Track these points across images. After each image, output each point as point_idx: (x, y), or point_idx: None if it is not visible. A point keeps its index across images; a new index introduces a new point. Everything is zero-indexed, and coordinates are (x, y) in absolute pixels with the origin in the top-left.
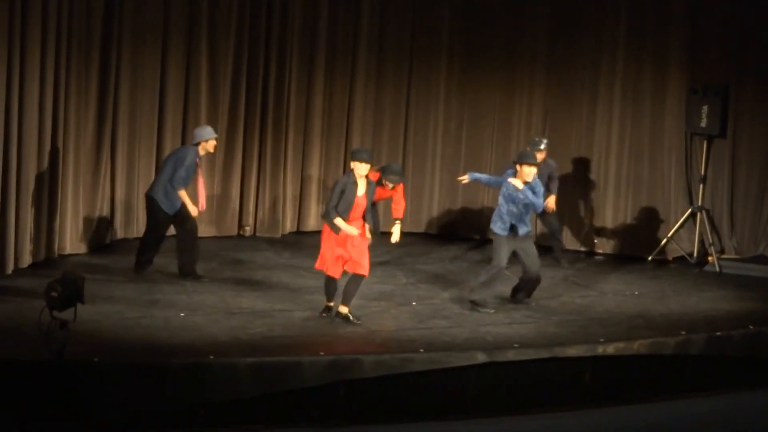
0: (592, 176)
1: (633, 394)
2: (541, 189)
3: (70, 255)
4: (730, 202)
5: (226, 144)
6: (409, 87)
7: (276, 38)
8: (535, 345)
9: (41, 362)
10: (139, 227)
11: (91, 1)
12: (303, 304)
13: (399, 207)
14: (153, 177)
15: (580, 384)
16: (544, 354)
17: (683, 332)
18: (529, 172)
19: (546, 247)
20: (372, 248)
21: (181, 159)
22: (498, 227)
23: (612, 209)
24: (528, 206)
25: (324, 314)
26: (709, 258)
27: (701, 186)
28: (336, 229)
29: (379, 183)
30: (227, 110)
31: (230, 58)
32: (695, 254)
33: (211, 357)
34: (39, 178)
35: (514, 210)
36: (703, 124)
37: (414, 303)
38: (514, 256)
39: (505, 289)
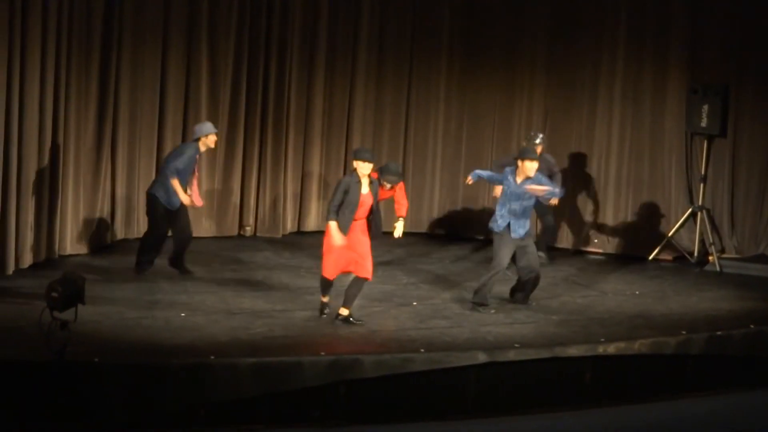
0: (593, 176)
1: (633, 394)
2: (546, 181)
3: (70, 255)
4: (730, 201)
5: (227, 144)
6: (409, 87)
7: (276, 38)
8: (536, 345)
9: (42, 362)
10: (139, 227)
11: (91, 1)
12: (303, 305)
13: (401, 206)
14: (153, 177)
15: (580, 384)
16: (544, 354)
17: (684, 332)
18: (531, 167)
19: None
20: (373, 248)
21: (180, 152)
22: (497, 225)
23: (612, 209)
24: (528, 208)
25: (324, 313)
26: (710, 257)
27: (702, 186)
28: (341, 230)
29: (378, 183)
30: (227, 110)
31: (230, 57)
32: (696, 254)
33: (212, 357)
34: (39, 178)
35: (517, 208)
36: (704, 123)
37: (414, 303)
38: (514, 256)
39: (505, 288)
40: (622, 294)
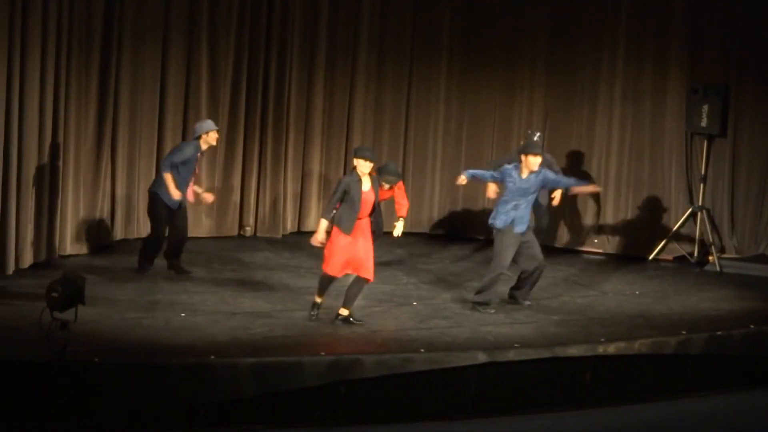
0: (593, 176)
1: (633, 394)
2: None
3: (70, 255)
4: (730, 201)
5: (227, 144)
6: (409, 86)
7: (276, 38)
8: (536, 345)
9: (42, 362)
10: (139, 227)
11: (91, 1)
12: (304, 305)
13: (402, 207)
14: (154, 177)
15: (580, 384)
16: (544, 354)
17: (684, 332)
18: (534, 161)
19: None
20: (373, 248)
21: (179, 148)
22: (501, 222)
23: (612, 209)
24: (531, 203)
25: (314, 313)
26: (710, 257)
27: (702, 185)
28: (346, 229)
29: (378, 183)
30: (227, 110)
31: (231, 57)
32: (696, 254)
33: (212, 357)
34: (39, 178)
35: (522, 204)
36: (704, 123)
37: (415, 303)
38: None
39: (505, 288)
40: (622, 294)
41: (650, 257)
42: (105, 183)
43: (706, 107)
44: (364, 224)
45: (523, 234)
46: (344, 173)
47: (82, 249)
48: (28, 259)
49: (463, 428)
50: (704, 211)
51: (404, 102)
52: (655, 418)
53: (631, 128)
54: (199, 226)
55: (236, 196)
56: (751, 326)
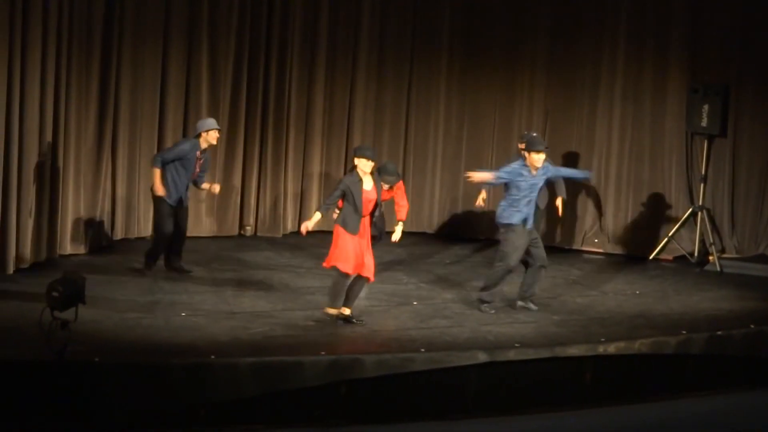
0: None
1: (633, 394)
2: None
3: (71, 255)
4: (730, 201)
5: (227, 144)
6: (409, 86)
7: (277, 38)
8: (536, 344)
9: (42, 362)
10: (139, 227)
11: (92, 1)
12: (304, 304)
13: (402, 209)
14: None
15: (580, 384)
16: (544, 354)
17: (684, 332)
18: (538, 158)
19: None
20: (373, 248)
21: (176, 144)
22: (516, 218)
23: (613, 209)
24: (536, 198)
25: (354, 320)
26: (710, 257)
27: (702, 185)
28: (352, 230)
29: None
30: (228, 110)
31: (231, 57)
32: (696, 254)
33: (212, 357)
34: (40, 178)
35: (533, 199)
36: (704, 123)
37: (415, 303)
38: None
39: (505, 288)
40: (622, 294)
41: (650, 257)
42: (105, 183)
43: (706, 107)
44: (365, 223)
45: (531, 231)
46: (345, 172)
47: (83, 249)
48: (28, 259)
49: (463, 428)
50: (704, 211)
51: (404, 102)
52: (655, 418)
53: (631, 128)
54: (200, 226)
55: (237, 196)
56: (752, 326)
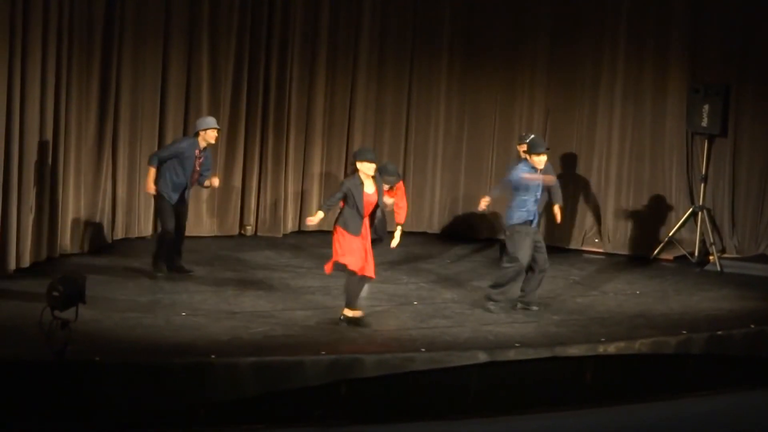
0: (593, 175)
1: (633, 394)
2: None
3: (71, 255)
4: (731, 201)
5: (228, 143)
6: (410, 86)
7: (277, 37)
8: (536, 344)
9: (42, 362)
10: (139, 227)
11: (92, 0)
12: (304, 304)
13: (401, 211)
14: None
15: (581, 383)
16: (545, 353)
17: (684, 331)
18: (540, 161)
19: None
20: (375, 248)
21: (173, 142)
22: (524, 218)
23: (613, 208)
24: (538, 199)
25: (361, 326)
26: (710, 257)
27: (702, 185)
28: (354, 232)
29: None
30: (228, 109)
31: (231, 57)
32: (696, 253)
33: (213, 356)
34: (40, 177)
35: (539, 199)
36: (704, 123)
37: (415, 302)
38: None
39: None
40: (622, 293)
41: (651, 257)
42: (105, 183)
43: (706, 107)
44: (366, 223)
45: (536, 231)
46: (345, 172)
47: (83, 248)
48: (29, 258)
49: (463, 428)
50: (705, 211)
51: (405, 102)
52: (655, 418)
53: (631, 128)
54: (200, 226)
55: (237, 196)
56: (752, 326)
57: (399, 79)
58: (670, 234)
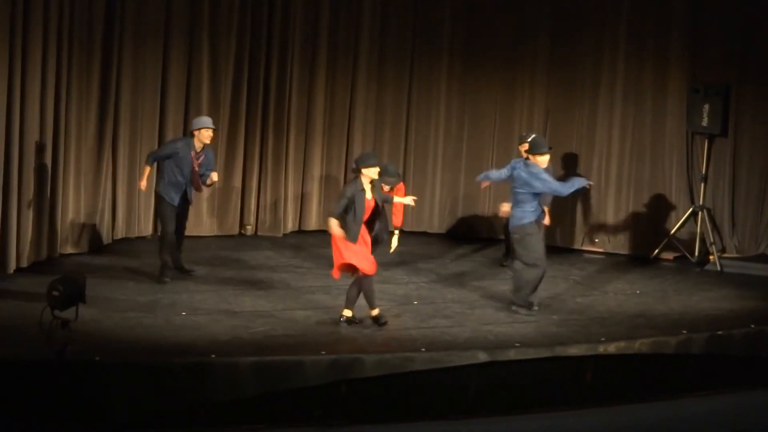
0: (593, 175)
1: (633, 394)
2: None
3: (71, 254)
4: (731, 201)
5: (228, 143)
6: (410, 86)
7: (277, 38)
8: (537, 344)
9: (42, 362)
10: (140, 227)
11: (92, 1)
12: (304, 304)
13: (399, 213)
14: (154, 177)
15: (581, 383)
16: (545, 353)
17: (684, 331)
18: (543, 160)
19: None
20: (375, 249)
21: (168, 142)
22: (533, 217)
23: (613, 208)
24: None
25: (382, 323)
26: (711, 257)
27: (702, 185)
28: (352, 239)
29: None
30: (228, 110)
31: (231, 57)
32: (696, 253)
33: (213, 356)
34: (41, 177)
35: (541, 198)
36: (705, 123)
37: (415, 302)
38: (512, 250)
39: (506, 287)
40: (622, 293)
41: (651, 257)
42: (105, 183)
43: (706, 107)
44: (364, 228)
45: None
46: (345, 172)
47: (83, 248)
48: (28, 258)
49: (463, 428)
50: (705, 211)
51: (405, 102)
52: (655, 418)
53: (631, 128)
54: (201, 225)
55: (237, 196)
56: (752, 326)
57: (399, 79)
58: (670, 234)
